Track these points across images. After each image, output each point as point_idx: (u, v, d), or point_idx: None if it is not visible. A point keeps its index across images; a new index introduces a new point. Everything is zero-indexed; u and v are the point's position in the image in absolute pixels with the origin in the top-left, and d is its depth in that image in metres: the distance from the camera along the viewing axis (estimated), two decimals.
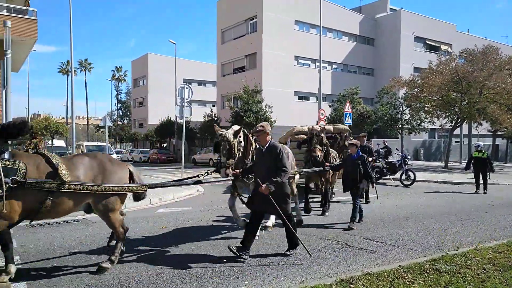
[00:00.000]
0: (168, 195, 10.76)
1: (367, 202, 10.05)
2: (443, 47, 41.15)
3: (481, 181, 12.96)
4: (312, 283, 4.16)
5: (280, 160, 5.17)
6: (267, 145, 5.37)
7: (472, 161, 13.30)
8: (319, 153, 7.86)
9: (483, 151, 13.12)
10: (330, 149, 8.94)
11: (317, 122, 22.36)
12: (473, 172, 13.29)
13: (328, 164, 8.06)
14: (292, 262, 5.08)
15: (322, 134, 8.22)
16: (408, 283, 4.15)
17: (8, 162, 3.97)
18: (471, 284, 4.12)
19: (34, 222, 7.48)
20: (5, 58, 10.62)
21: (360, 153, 7.55)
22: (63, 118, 61.65)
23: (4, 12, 15.07)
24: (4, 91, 10.53)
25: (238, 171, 5.70)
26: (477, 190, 12.93)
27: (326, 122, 25.27)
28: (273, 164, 5.18)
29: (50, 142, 29.79)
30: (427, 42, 41.43)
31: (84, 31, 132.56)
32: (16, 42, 13.73)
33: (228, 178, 5.77)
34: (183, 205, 10.05)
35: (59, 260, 5.06)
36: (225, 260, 5.10)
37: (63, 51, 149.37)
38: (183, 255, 5.38)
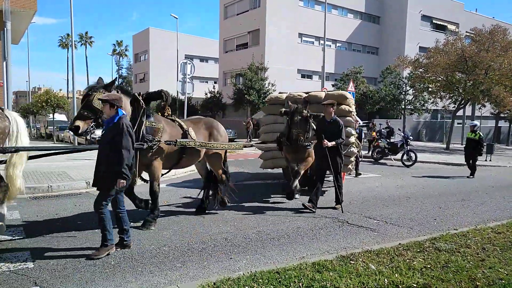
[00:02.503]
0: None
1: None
2: (450, 26, 40.34)
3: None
4: (312, 259, 4.21)
5: None
6: None
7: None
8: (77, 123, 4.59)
9: (478, 131, 12.16)
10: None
11: None
12: (463, 154, 12.49)
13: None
14: (293, 239, 5.13)
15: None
16: (408, 260, 4.19)
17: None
18: (471, 263, 4.16)
19: (37, 194, 7.57)
20: (5, 29, 10.45)
21: (121, 120, 4.31)
22: (60, 89, 61.31)
23: None
24: (4, 63, 10.41)
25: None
26: (471, 176, 12.01)
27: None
28: None
29: (51, 116, 29.68)
30: (434, 21, 40.62)
31: (84, 2, 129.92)
32: (15, 13, 13.47)
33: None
34: (185, 181, 10.10)
35: (62, 232, 5.11)
36: (226, 235, 5.15)
37: (64, 23, 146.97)
38: (185, 229, 5.43)
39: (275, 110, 8.74)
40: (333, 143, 6.61)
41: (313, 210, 6.65)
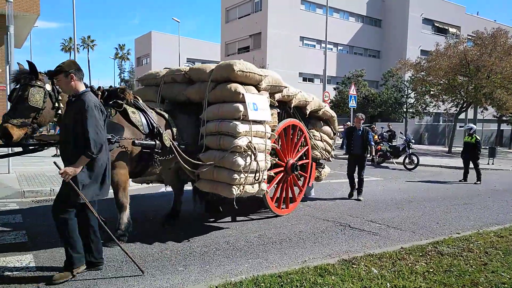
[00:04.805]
0: None
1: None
2: (451, 29, 40.39)
3: (471, 166, 11.59)
4: (314, 263, 4.20)
5: None
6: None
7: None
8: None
9: (474, 135, 11.60)
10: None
11: None
12: (462, 159, 12.04)
13: None
14: (295, 242, 5.12)
15: None
16: (410, 264, 4.18)
17: None
18: (473, 267, 4.15)
19: (40, 198, 7.60)
20: (7, 33, 10.50)
21: None
22: None
23: None
24: (7, 67, 10.47)
25: None
26: (464, 180, 11.64)
27: (330, 104, 25.13)
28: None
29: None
30: (435, 24, 40.67)
31: (87, 6, 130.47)
32: (18, 17, 13.57)
33: None
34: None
35: None
36: (228, 238, 5.15)
37: (66, 27, 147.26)
38: (187, 233, 5.43)
39: (153, 95, 5.94)
40: (79, 166, 3.46)
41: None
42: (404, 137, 16.39)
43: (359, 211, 7.11)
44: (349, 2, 37.77)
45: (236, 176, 4.97)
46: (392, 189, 9.98)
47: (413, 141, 16.06)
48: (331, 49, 36.47)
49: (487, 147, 18.85)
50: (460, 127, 30.63)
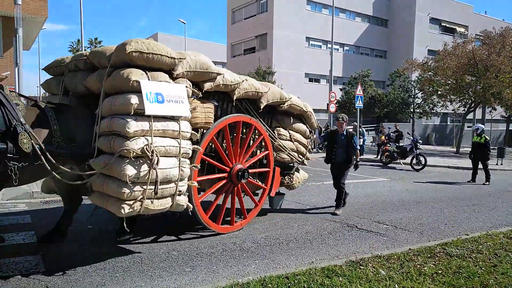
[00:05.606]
0: None
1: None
2: (459, 29, 40.04)
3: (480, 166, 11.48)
4: (322, 264, 4.19)
5: None
6: None
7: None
8: None
9: (483, 135, 11.45)
10: None
11: (328, 105, 22.21)
12: (470, 159, 11.85)
13: None
14: (302, 243, 5.11)
15: None
16: (418, 266, 4.15)
17: None
18: (483, 268, 4.11)
19: (48, 199, 7.66)
20: (16, 35, 10.63)
21: None
22: None
23: None
24: (16, 69, 10.60)
25: None
26: (472, 181, 11.52)
27: (336, 105, 25.07)
28: None
29: None
30: (443, 24, 40.35)
31: (94, 9, 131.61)
32: (27, 20, 13.73)
33: None
34: None
35: (74, 235, 5.15)
36: (234, 239, 5.16)
37: (74, 29, 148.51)
38: (193, 235, 5.44)
39: (57, 87, 5.07)
40: None
41: None
42: (411, 137, 16.28)
43: (366, 212, 7.08)
44: (355, 2, 37.63)
45: (125, 189, 3.78)
46: (400, 190, 9.91)
47: (420, 141, 15.92)
48: (337, 49, 36.34)
49: (496, 148, 18.64)
50: (468, 127, 30.39)
